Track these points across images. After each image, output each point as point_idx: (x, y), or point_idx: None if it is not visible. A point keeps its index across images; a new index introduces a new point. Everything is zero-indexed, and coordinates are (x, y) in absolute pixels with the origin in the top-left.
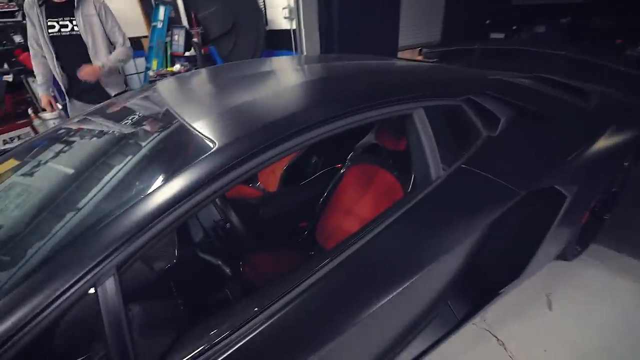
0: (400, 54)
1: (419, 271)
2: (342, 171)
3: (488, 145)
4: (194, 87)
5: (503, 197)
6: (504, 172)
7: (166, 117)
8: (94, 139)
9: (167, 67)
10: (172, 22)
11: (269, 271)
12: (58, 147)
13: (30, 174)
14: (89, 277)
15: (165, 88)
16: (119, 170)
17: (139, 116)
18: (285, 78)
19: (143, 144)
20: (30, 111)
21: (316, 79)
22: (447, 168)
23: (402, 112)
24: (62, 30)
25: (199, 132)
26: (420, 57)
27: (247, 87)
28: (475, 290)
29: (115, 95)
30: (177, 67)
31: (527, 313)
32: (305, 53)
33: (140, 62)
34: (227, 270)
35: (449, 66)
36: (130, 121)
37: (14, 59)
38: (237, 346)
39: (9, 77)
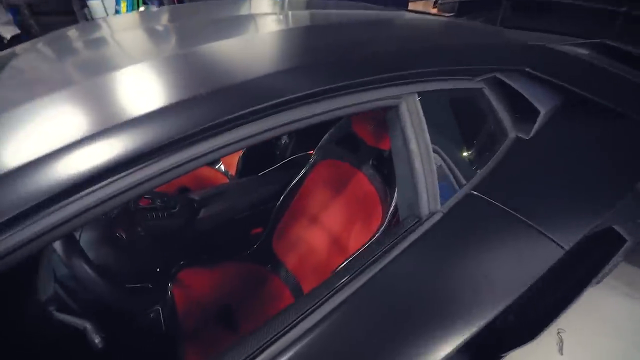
0: (412, 5)
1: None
2: (308, 165)
3: (516, 154)
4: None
5: (536, 255)
6: (539, 207)
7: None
8: None
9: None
10: None
11: (208, 292)
12: None
13: None
14: None
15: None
16: None
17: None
18: (257, 25)
19: None
20: None
21: (294, 29)
22: (447, 198)
23: (382, 101)
24: None
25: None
26: (434, 10)
27: (205, 32)
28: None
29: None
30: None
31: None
32: None
33: (110, 3)
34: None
35: (469, 23)
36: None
37: None
38: None
39: None
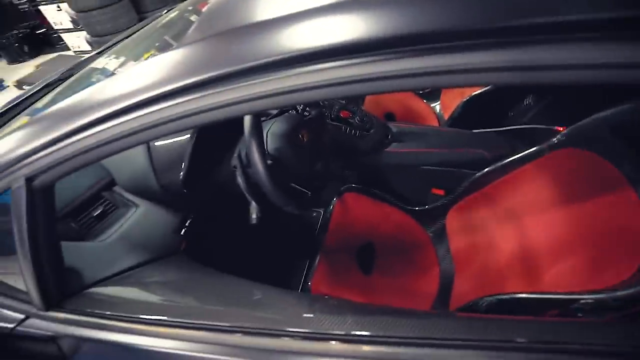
0: None
1: None
2: (546, 145)
3: None
4: None
5: None
6: None
7: None
8: None
9: None
10: None
11: (362, 224)
12: None
13: None
14: None
15: None
16: None
17: None
18: None
19: None
20: None
21: None
22: None
23: None
24: None
25: None
26: None
27: None
28: None
29: None
30: None
31: None
32: None
33: None
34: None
35: None
36: None
37: None
38: None
39: None
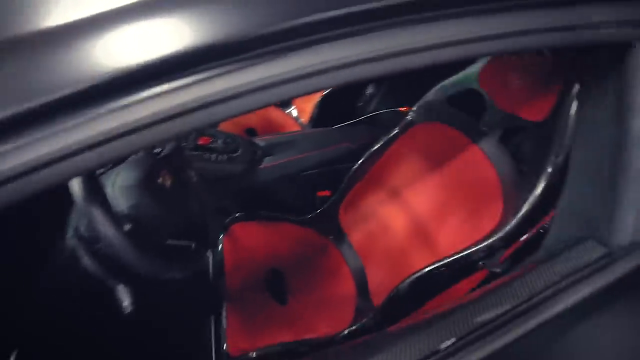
0: None
1: None
2: (402, 124)
3: None
4: None
5: None
6: None
7: None
8: None
9: None
10: None
11: (260, 252)
12: None
13: None
14: None
15: None
16: None
17: None
18: None
19: None
20: None
21: None
22: None
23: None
24: None
25: None
26: None
27: None
28: None
29: None
30: None
31: None
32: None
33: None
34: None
35: None
36: None
37: None
38: None
39: None
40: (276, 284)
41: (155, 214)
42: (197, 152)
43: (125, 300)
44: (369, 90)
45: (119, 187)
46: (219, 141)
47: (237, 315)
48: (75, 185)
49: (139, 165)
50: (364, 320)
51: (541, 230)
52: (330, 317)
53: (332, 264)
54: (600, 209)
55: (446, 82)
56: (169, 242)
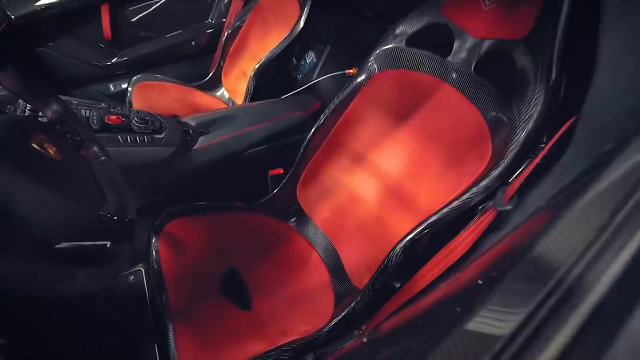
0: None
1: None
2: (358, 79)
3: None
4: None
5: None
6: None
7: None
8: None
9: None
10: None
11: (207, 251)
12: None
13: None
14: None
15: None
16: None
17: None
18: None
19: None
20: None
21: None
22: None
23: None
24: None
25: None
26: None
27: None
28: None
29: None
30: None
31: None
32: None
33: None
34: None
35: None
36: None
37: None
38: None
39: None
40: (234, 287)
41: (33, 196)
42: (107, 134)
43: None
44: (309, 59)
45: None
46: (134, 120)
47: (188, 335)
48: None
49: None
50: (352, 304)
51: (547, 155)
52: (307, 312)
53: (297, 252)
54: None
55: (400, 25)
56: (64, 245)
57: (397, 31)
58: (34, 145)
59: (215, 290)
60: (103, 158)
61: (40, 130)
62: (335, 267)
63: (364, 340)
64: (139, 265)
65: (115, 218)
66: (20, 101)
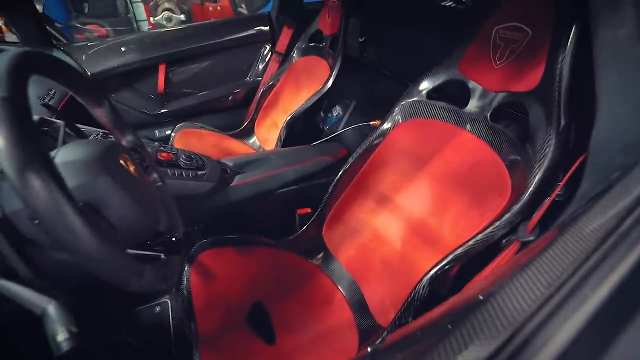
0: None
1: None
2: (384, 127)
3: None
4: None
5: None
6: None
7: None
8: None
9: None
10: None
11: (237, 283)
12: None
13: None
14: None
15: None
16: None
17: None
18: None
19: None
20: None
21: None
22: None
23: None
24: None
25: None
26: None
27: None
28: None
29: None
30: None
31: None
32: None
33: None
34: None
35: None
36: None
37: None
38: None
39: None
40: (260, 320)
41: (119, 200)
42: (160, 168)
43: (60, 334)
44: (336, 112)
45: (66, 163)
46: (182, 157)
47: (216, 358)
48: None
49: (91, 142)
50: (377, 342)
51: (563, 190)
52: (331, 350)
53: (320, 290)
54: None
55: (422, 81)
56: (129, 251)
57: (419, 86)
58: (120, 161)
59: (242, 322)
60: (160, 183)
61: (124, 152)
62: (359, 306)
63: (368, 349)
64: (166, 296)
65: (168, 235)
66: (94, 132)
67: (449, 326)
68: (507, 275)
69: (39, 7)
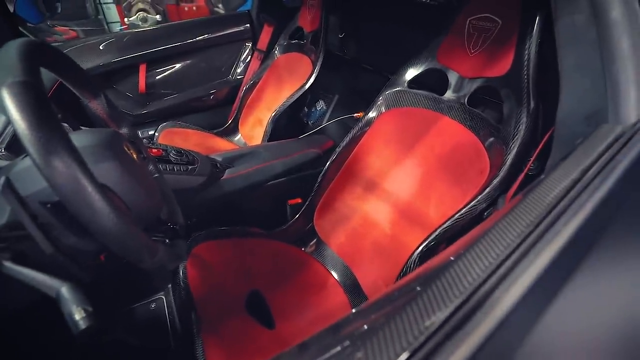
0: None
1: None
2: (369, 116)
3: None
4: None
5: None
6: None
7: None
8: None
9: None
10: None
11: (232, 274)
12: None
13: None
14: None
15: None
16: None
17: None
18: None
19: None
20: None
21: None
22: None
23: None
24: None
25: None
26: None
27: None
28: None
29: None
30: None
31: None
32: None
33: None
34: None
35: None
36: None
37: None
38: None
39: None
40: (258, 307)
41: (128, 184)
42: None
43: (77, 314)
44: (320, 107)
45: (82, 147)
46: (172, 152)
47: (218, 347)
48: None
49: (96, 130)
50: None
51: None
52: None
53: (314, 277)
54: (602, 100)
55: (402, 73)
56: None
57: (401, 77)
58: (124, 147)
59: (241, 310)
60: (157, 175)
61: (126, 139)
62: (353, 288)
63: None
64: (160, 293)
65: (169, 224)
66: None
67: (418, 288)
68: (473, 238)
69: (10, 7)
